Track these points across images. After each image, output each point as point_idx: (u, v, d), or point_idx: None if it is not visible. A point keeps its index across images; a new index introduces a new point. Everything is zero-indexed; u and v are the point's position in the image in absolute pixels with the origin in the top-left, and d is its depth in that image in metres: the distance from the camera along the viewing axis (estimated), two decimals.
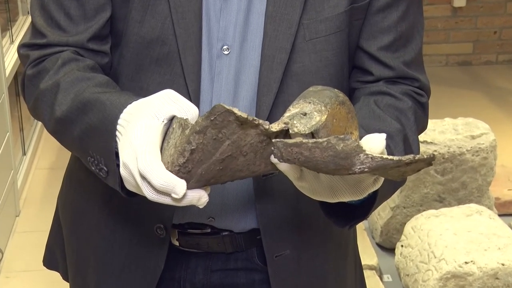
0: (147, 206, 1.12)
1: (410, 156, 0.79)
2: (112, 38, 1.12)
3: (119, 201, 1.15)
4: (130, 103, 0.92)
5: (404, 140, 1.08)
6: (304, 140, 0.79)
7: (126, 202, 1.14)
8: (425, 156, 0.79)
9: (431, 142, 2.70)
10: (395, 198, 2.74)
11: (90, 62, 1.08)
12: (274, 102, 1.09)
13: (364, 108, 1.10)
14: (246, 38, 1.09)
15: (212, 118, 0.81)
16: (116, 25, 1.11)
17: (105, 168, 0.94)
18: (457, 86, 4.63)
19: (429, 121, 1.22)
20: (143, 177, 0.84)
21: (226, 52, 1.09)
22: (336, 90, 0.86)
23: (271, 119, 1.08)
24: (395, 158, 0.79)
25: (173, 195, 0.83)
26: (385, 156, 0.79)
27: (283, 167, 0.85)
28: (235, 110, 0.80)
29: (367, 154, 0.79)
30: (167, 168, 0.84)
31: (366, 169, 0.79)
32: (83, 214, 1.22)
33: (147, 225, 1.16)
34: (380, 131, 1.02)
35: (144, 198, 0.86)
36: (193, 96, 1.08)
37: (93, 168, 0.96)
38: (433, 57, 4.90)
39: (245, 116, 0.80)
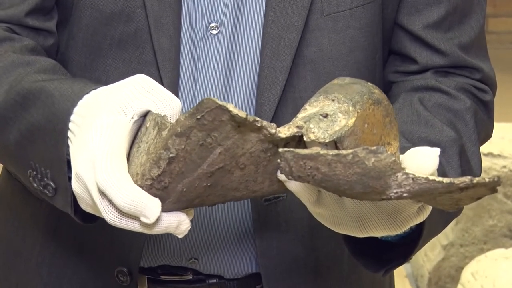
0: (105, 242, 1.14)
1: (466, 179, 0.77)
2: (59, 12, 1.13)
3: (68, 234, 1.17)
4: (87, 92, 0.92)
5: (460, 153, 1.08)
6: (322, 151, 0.78)
7: (77, 236, 1.16)
8: (487, 180, 0.78)
9: (499, 155, 2.70)
10: (449, 233, 2.74)
11: (30, 42, 1.09)
12: (280, 99, 1.10)
13: (405, 108, 1.11)
14: (241, 13, 1.10)
15: (198, 117, 0.80)
16: None
17: (52, 183, 0.94)
18: None
19: (495, 125, 1.22)
20: (102, 194, 0.84)
21: (214, 32, 1.11)
22: (370, 84, 0.86)
23: (276, 122, 1.05)
24: (445, 180, 0.78)
25: (142, 218, 0.83)
26: (432, 177, 0.78)
27: (294, 186, 0.85)
28: (231, 107, 0.80)
29: (407, 174, 0.77)
30: (135, 182, 0.84)
31: (405, 194, 0.79)
32: (18, 253, 1.22)
33: (105, 269, 1.16)
34: (427, 141, 1.03)
35: (103, 227, 0.86)
36: (169, 91, 1.05)
37: (35, 185, 0.96)
38: (502, 36, 4.91)
39: (244, 116, 0.80)
